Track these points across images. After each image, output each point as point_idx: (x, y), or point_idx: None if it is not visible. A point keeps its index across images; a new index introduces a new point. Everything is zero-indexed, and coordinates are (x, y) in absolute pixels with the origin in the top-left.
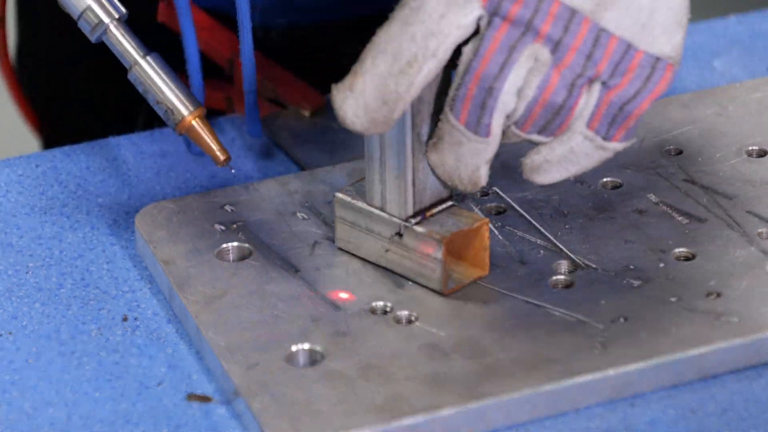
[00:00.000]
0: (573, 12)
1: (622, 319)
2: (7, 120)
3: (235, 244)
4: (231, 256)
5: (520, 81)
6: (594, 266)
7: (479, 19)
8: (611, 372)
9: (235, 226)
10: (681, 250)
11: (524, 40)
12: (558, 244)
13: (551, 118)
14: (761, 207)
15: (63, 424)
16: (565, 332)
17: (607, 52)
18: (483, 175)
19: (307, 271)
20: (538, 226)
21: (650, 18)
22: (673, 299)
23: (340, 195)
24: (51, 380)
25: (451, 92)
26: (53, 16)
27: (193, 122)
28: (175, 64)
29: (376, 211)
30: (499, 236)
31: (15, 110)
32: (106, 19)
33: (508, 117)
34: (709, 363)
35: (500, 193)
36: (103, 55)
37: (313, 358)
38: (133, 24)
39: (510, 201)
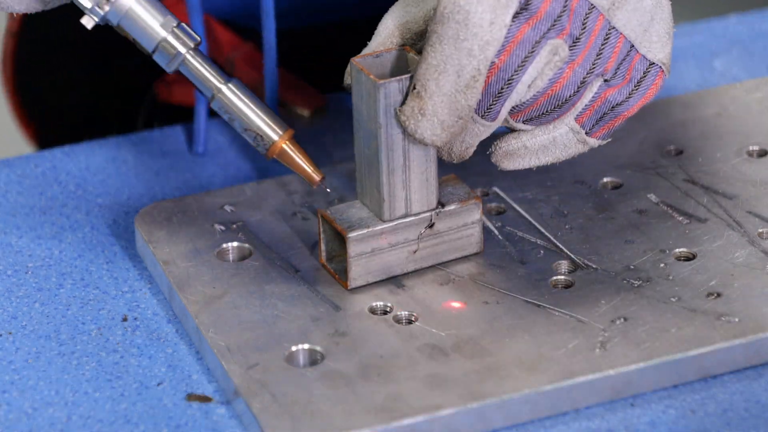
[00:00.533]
0: (591, 7)
1: (622, 319)
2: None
3: (235, 244)
4: (231, 256)
5: (536, 73)
6: (594, 266)
7: None
8: (611, 372)
9: (235, 226)
10: (681, 250)
11: (549, 35)
12: (558, 244)
13: (551, 110)
14: (762, 207)
15: (63, 424)
16: (565, 332)
17: (615, 51)
18: (472, 152)
19: (307, 271)
20: (538, 226)
21: (651, 23)
22: (673, 299)
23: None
24: (51, 380)
25: None
26: (53, 16)
27: (284, 146)
28: None
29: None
30: (499, 236)
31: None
32: (182, 50)
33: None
34: (710, 363)
35: (500, 193)
36: (104, 54)
37: (313, 358)
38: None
39: (510, 201)
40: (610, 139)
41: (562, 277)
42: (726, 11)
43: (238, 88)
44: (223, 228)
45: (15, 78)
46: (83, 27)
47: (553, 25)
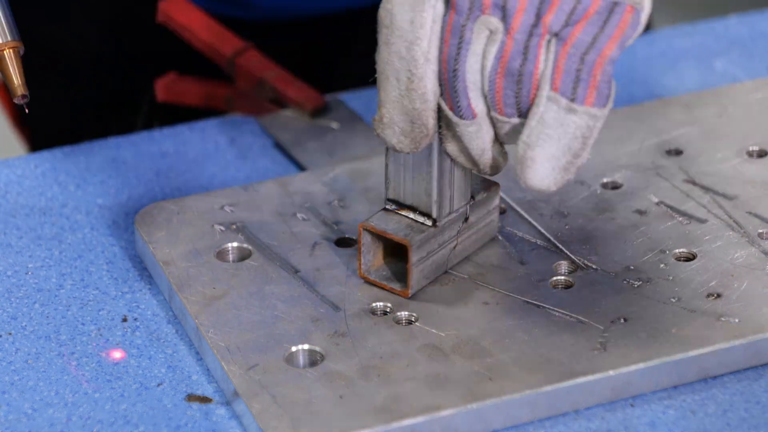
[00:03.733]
0: None
1: (622, 320)
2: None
3: (235, 244)
4: (231, 257)
5: (479, 56)
6: (594, 266)
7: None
8: (611, 372)
9: (234, 226)
10: (681, 250)
11: (472, 16)
12: (558, 244)
13: (517, 89)
14: (762, 207)
15: (63, 425)
16: (565, 332)
17: (553, 3)
18: (493, 157)
19: (307, 271)
20: (538, 227)
21: None
22: (673, 300)
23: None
24: (51, 381)
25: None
26: (53, 17)
27: (5, 52)
28: (176, 64)
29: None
30: (499, 236)
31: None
32: None
33: (485, 97)
34: (710, 363)
35: (500, 193)
36: (104, 54)
37: (313, 359)
38: (133, 24)
39: (510, 201)
40: (610, 104)
41: (562, 277)
42: (726, 11)
43: None
44: (222, 228)
45: None
46: (83, 27)
47: (473, 5)
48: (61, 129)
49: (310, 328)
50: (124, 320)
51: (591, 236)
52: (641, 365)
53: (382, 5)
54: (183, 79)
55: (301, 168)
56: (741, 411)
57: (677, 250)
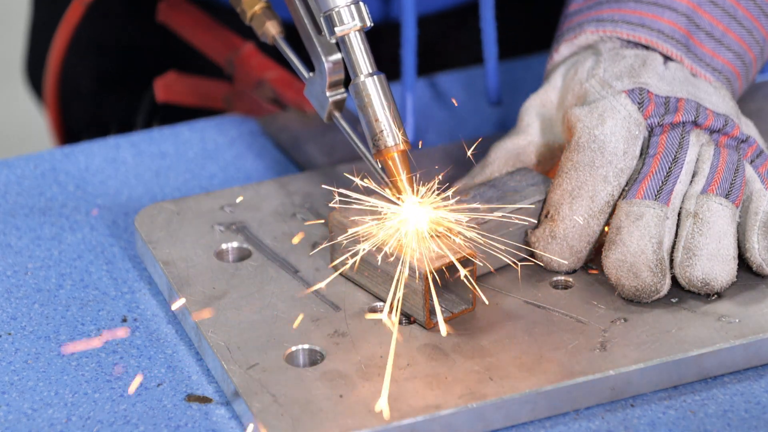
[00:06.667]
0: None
1: (622, 320)
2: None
3: (235, 244)
4: (231, 257)
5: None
6: (594, 267)
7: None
8: (611, 372)
9: (234, 226)
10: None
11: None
12: None
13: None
14: None
15: (62, 425)
16: (565, 332)
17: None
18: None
19: (307, 271)
20: None
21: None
22: (673, 300)
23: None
24: (50, 381)
25: None
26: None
27: (396, 154)
28: (174, 61)
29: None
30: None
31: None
32: (355, 23)
33: None
34: (710, 364)
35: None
36: (103, 54)
37: (313, 358)
38: (133, 23)
39: None
40: None
41: (562, 277)
42: None
43: (382, 84)
44: (222, 228)
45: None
46: (83, 27)
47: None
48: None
49: (310, 327)
50: (124, 320)
51: None
52: (641, 365)
53: (586, 130)
54: (182, 79)
55: (300, 168)
56: (741, 411)
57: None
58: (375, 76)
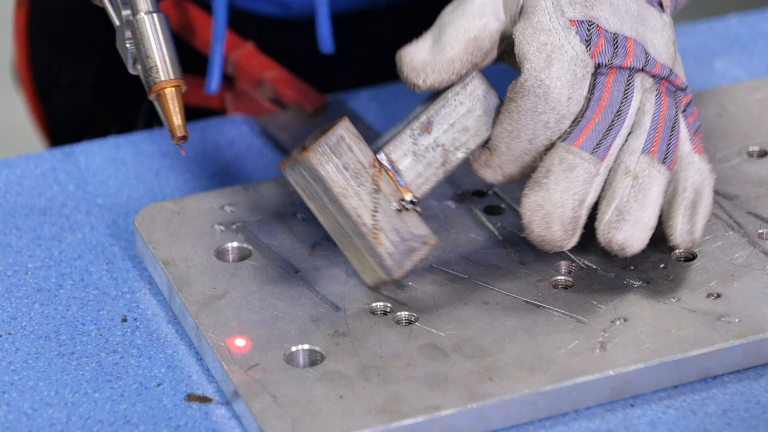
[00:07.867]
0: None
1: (621, 320)
2: (8, 120)
3: (235, 244)
4: (231, 257)
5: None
6: (594, 266)
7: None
8: (611, 372)
9: (234, 226)
10: (681, 250)
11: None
12: None
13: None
14: (762, 207)
15: (62, 425)
16: (565, 333)
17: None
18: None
19: (307, 271)
20: None
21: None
22: (673, 300)
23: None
24: (50, 381)
25: None
26: (52, 18)
27: (167, 90)
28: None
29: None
30: (499, 237)
31: (16, 110)
32: None
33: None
34: (710, 364)
35: (500, 193)
36: (103, 54)
37: (313, 359)
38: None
39: (510, 201)
40: None
41: (562, 277)
42: (726, 11)
43: (160, 22)
44: (222, 228)
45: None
46: (83, 28)
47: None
48: (62, 128)
49: (310, 327)
50: (124, 320)
51: (591, 236)
52: (641, 365)
53: (533, 73)
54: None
55: None
56: (741, 411)
57: (677, 251)
58: (154, 14)
